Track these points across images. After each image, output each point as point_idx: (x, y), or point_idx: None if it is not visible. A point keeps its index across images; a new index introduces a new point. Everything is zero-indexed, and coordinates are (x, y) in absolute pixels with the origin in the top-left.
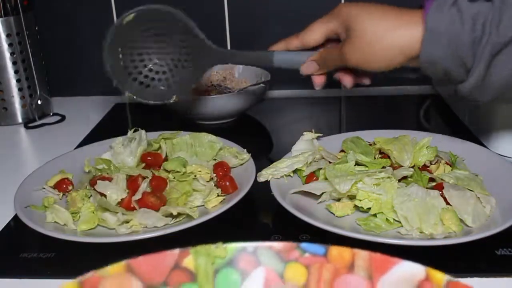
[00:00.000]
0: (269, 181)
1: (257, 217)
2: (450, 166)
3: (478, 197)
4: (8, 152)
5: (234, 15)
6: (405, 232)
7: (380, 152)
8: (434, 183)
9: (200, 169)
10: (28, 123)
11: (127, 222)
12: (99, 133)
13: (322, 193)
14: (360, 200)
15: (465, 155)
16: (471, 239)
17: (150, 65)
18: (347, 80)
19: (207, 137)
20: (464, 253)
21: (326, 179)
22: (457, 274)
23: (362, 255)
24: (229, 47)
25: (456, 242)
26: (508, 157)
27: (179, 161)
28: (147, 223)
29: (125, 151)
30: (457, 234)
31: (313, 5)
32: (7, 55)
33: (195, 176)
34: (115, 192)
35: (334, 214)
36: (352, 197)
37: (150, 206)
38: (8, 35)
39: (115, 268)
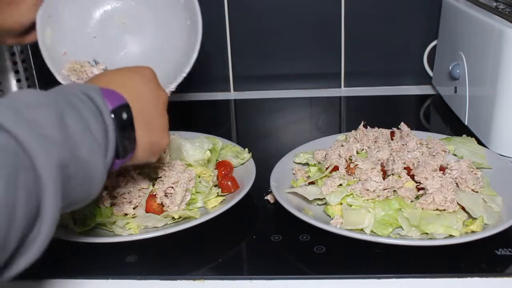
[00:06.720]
0: (270, 180)
1: (257, 217)
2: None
3: (483, 198)
4: None
5: (234, 18)
6: (405, 233)
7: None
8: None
9: (204, 171)
10: None
11: (127, 223)
12: None
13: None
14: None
15: (465, 155)
16: (471, 239)
17: None
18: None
19: (212, 140)
20: (464, 253)
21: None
22: (457, 274)
23: None
24: (229, 50)
25: (456, 242)
26: (508, 157)
27: None
28: (147, 225)
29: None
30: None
31: (313, 6)
32: (7, 55)
33: (198, 176)
34: None
35: (330, 217)
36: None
37: (153, 210)
38: None
39: None
